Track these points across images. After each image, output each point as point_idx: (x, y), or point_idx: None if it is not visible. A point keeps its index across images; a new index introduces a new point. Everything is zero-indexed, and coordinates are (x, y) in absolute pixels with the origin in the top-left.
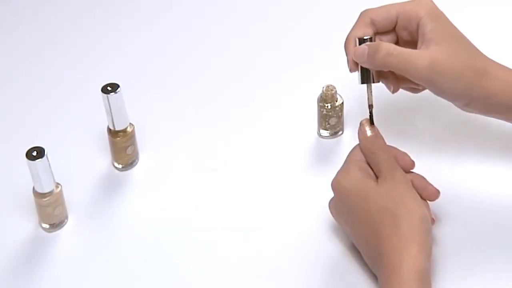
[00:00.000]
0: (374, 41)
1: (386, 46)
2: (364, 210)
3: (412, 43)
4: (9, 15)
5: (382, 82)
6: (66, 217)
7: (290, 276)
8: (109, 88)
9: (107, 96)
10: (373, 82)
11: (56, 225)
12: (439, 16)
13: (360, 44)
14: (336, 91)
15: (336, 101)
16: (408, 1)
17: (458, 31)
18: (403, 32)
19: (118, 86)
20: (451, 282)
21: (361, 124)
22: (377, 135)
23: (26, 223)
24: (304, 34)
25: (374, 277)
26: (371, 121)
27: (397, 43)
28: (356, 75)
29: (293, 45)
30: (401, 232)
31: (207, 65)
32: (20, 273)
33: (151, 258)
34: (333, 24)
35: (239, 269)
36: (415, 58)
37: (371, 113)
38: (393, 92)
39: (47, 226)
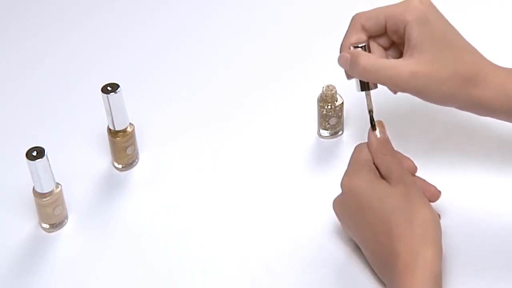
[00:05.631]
0: (368, 47)
1: (364, 60)
2: (379, 209)
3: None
4: (9, 15)
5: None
6: (66, 217)
7: (289, 276)
8: (109, 88)
9: (107, 96)
10: (372, 89)
11: (56, 225)
12: (427, 21)
13: None
14: (336, 91)
15: (336, 101)
16: (397, 4)
17: (449, 35)
18: (393, 35)
19: (118, 86)
20: (450, 283)
21: (371, 126)
22: (387, 137)
23: (26, 223)
24: (304, 33)
25: (375, 277)
26: (372, 125)
27: (393, 44)
28: (354, 81)
29: (293, 44)
30: (416, 233)
31: (207, 65)
32: (20, 273)
33: (151, 258)
34: (333, 23)
35: (239, 269)
36: (394, 73)
37: (371, 117)
38: (394, 93)
39: (47, 226)
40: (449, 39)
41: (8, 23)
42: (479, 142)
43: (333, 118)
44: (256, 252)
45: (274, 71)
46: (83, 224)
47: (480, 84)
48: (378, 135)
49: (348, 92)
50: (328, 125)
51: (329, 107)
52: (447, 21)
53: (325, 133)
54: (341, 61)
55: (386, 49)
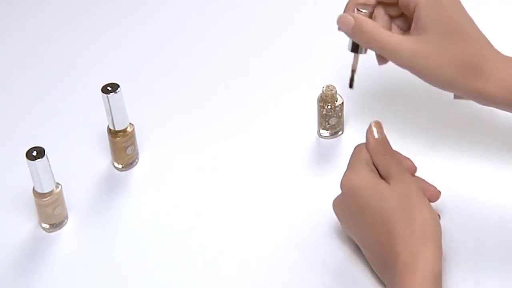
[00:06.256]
0: (371, 15)
1: (371, 29)
2: (379, 209)
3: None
4: (9, 15)
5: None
6: (66, 217)
7: (289, 276)
8: (109, 88)
9: (107, 96)
10: (362, 53)
11: (56, 225)
12: (438, 4)
13: None
14: (336, 91)
15: (336, 101)
16: None
17: (458, 22)
18: (404, 9)
19: (118, 86)
20: (451, 283)
21: (370, 125)
22: (385, 138)
23: (26, 223)
24: (304, 33)
25: (375, 277)
26: (350, 84)
27: (402, 14)
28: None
29: (293, 44)
30: (416, 233)
31: (206, 65)
32: (20, 273)
33: (151, 258)
34: (333, 23)
35: (239, 269)
36: (397, 48)
37: (352, 77)
38: (379, 64)
39: (47, 226)
40: (457, 25)
41: (8, 23)
42: (479, 142)
43: (333, 118)
44: (256, 252)
45: (274, 71)
46: (83, 224)
47: (482, 75)
48: (376, 135)
49: (348, 92)
50: (328, 125)
51: (329, 107)
52: (460, 5)
53: (325, 133)
54: (342, 22)
55: (393, 17)
